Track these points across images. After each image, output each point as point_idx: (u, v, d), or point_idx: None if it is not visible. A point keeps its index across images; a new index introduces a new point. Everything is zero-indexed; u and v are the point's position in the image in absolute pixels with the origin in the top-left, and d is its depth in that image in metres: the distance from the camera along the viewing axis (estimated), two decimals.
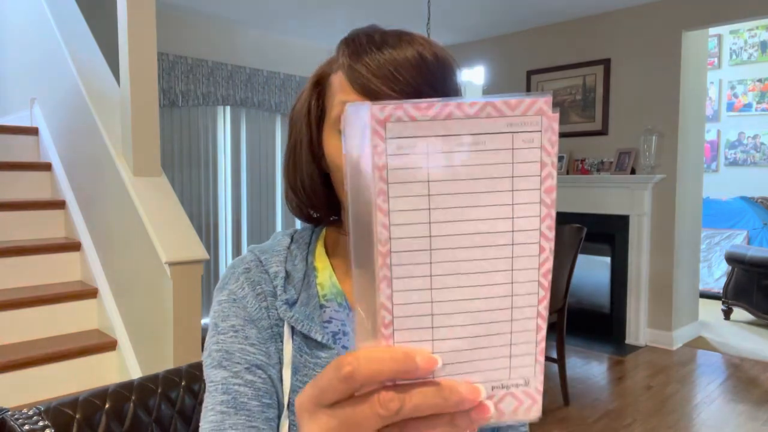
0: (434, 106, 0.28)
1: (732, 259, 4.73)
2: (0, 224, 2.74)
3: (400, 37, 0.59)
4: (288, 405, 0.62)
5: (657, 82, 3.99)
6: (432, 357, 0.29)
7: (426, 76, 0.57)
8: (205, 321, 2.25)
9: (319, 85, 0.65)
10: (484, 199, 0.29)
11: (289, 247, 0.69)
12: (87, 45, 2.83)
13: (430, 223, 0.29)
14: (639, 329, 4.10)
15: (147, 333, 2.34)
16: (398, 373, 0.29)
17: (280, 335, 0.64)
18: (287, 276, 0.66)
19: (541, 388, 0.32)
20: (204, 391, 0.94)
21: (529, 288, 0.30)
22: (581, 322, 4.51)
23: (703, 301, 5.11)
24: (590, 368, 3.71)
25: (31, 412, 0.79)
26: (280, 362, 0.64)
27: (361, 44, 0.59)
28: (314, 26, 4.58)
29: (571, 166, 4.39)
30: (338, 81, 0.60)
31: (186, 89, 4.25)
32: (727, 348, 4.04)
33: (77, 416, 0.82)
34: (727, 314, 4.83)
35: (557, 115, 0.29)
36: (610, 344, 4.13)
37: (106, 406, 0.86)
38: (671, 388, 3.31)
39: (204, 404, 0.62)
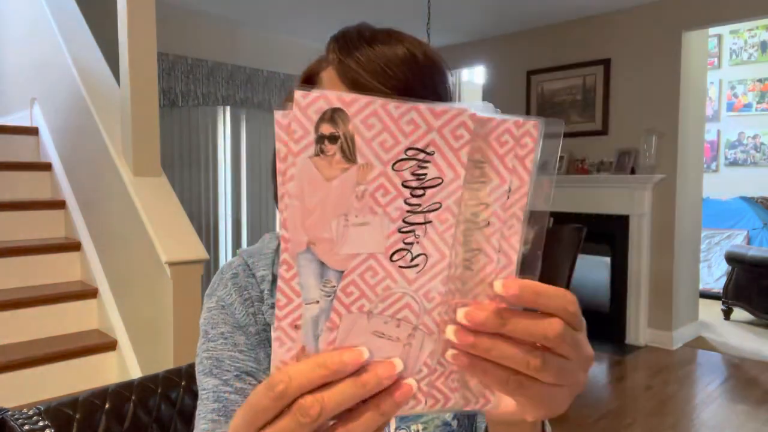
0: None
1: (732, 259, 4.73)
2: (0, 224, 2.74)
3: (390, 35, 0.59)
4: None
5: (657, 82, 3.99)
6: (358, 350, 0.30)
7: (416, 73, 0.57)
8: None
9: (309, 83, 0.63)
10: None
11: (277, 250, 0.68)
12: (87, 45, 2.83)
13: None
14: (639, 329, 4.10)
15: (147, 333, 2.34)
16: (329, 377, 0.30)
17: (269, 340, 0.64)
18: (274, 279, 0.66)
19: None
20: None
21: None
22: None
23: (703, 301, 5.11)
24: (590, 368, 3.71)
25: (31, 412, 0.79)
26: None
27: (351, 40, 0.58)
28: (314, 26, 4.58)
29: (571, 166, 4.39)
30: (328, 77, 0.59)
31: (186, 89, 4.25)
32: (727, 348, 4.04)
33: (77, 416, 0.82)
34: (727, 314, 4.83)
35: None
36: (610, 344, 4.13)
37: (106, 406, 0.86)
38: (671, 388, 3.31)
39: (197, 411, 0.62)
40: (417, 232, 0.31)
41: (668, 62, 3.93)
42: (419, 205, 0.30)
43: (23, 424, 0.77)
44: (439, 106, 0.30)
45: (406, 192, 0.30)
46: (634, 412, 3.01)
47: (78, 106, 2.71)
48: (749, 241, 5.74)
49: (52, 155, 3.09)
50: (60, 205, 2.93)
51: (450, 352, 0.32)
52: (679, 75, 3.89)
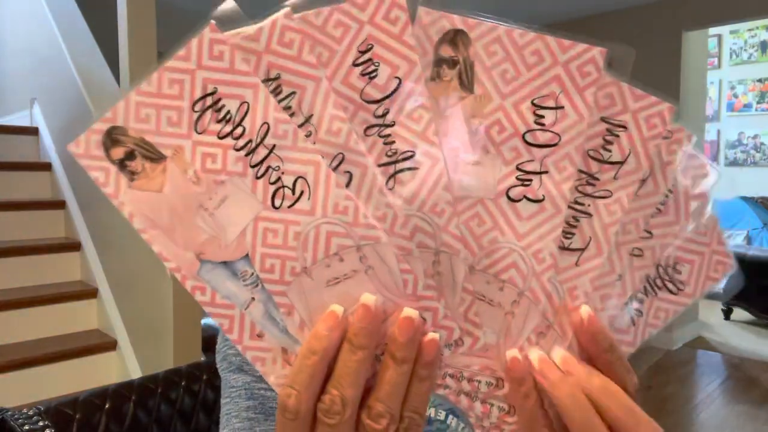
0: None
1: None
2: (0, 224, 2.74)
3: None
4: None
5: (657, 82, 3.98)
6: (329, 312, 0.28)
7: None
8: (205, 321, 2.25)
9: None
10: None
11: None
12: (87, 45, 2.83)
13: None
14: None
15: (147, 333, 2.34)
16: (327, 357, 0.27)
17: None
18: None
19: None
20: (203, 392, 0.94)
21: None
22: None
23: (703, 301, 5.11)
24: None
25: (31, 412, 0.79)
26: None
27: None
28: None
29: None
30: None
31: None
32: (727, 348, 4.04)
33: (77, 416, 0.82)
34: (727, 314, 4.83)
35: None
36: None
37: (106, 406, 0.86)
38: (671, 388, 3.31)
39: (225, 410, 0.59)
40: (273, 165, 0.28)
41: (668, 62, 3.92)
42: (250, 141, 0.28)
43: (23, 424, 0.77)
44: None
45: (228, 141, 0.28)
46: None
47: (78, 106, 2.71)
48: (749, 241, 5.74)
49: (52, 155, 3.09)
50: (60, 205, 2.93)
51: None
52: (679, 75, 3.89)
